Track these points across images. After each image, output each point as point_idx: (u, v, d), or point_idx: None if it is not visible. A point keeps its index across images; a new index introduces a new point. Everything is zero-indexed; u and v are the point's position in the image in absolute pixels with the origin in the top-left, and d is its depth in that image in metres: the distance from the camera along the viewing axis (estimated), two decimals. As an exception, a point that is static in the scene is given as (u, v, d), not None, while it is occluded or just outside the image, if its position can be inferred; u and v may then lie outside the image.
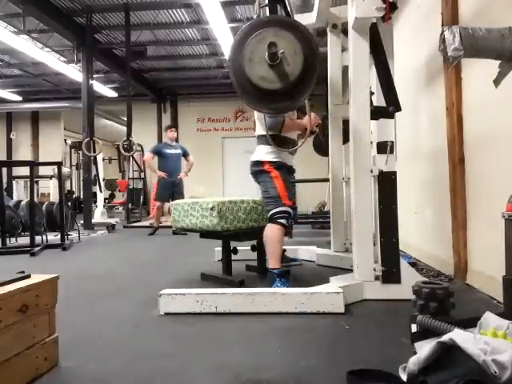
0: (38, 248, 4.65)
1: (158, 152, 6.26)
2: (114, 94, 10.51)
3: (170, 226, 3.28)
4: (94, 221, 7.33)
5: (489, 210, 2.38)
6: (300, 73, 2.10)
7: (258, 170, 2.87)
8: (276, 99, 2.19)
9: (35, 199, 6.20)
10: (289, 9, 2.49)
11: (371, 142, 2.49)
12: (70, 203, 9.69)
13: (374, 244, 2.45)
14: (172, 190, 6.21)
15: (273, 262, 2.67)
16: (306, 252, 3.81)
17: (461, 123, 2.76)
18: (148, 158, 6.30)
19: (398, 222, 2.40)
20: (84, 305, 2.47)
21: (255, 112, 2.88)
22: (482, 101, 2.49)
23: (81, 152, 9.06)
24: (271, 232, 2.69)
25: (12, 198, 8.54)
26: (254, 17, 2.86)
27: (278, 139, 2.79)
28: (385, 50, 2.44)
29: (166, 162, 6.21)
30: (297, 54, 2.11)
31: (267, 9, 2.48)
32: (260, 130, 2.92)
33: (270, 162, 2.82)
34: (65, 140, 12.61)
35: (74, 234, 5.97)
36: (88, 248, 5.15)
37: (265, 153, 2.85)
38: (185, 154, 6.44)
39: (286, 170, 2.89)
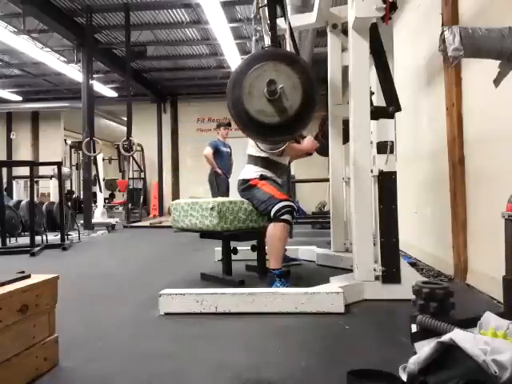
0: (38, 248, 4.65)
1: (216, 149, 5.99)
2: (114, 94, 10.51)
3: (171, 226, 3.28)
4: (93, 221, 7.33)
5: (489, 209, 2.38)
6: (299, 107, 2.15)
7: (245, 187, 2.89)
8: (274, 132, 2.25)
9: (35, 199, 6.20)
10: (288, 9, 2.50)
11: (371, 142, 2.49)
12: (70, 203, 9.70)
13: (374, 244, 2.45)
14: (227, 187, 6.05)
15: (273, 262, 2.66)
16: (306, 252, 3.81)
17: (461, 123, 2.76)
18: (209, 153, 5.94)
19: (398, 221, 2.40)
20: (84, 305, 2.47)
21: None
22: (481, 101, 2.49)
23: (81, 152, 9.07)
24: (274, 231, 2.63)
25: (12, 198, 8.54)
26: (252, 16, 2.87)
27: (268, 162, 2.81)
28: (385, 50, 2.44)
29: (221, 159, 5.99)
30: (296, 88, 2.15)
31: (266, 9, 2.49)
32: (251, 151, 2.94)
33: (256, 178, 2.85)
34: (65, 140, 12.61)
35: (73, 234, 5.98)
36: (88, 248, 5.15)
37: (252, 171, 2.88)
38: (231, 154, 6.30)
39: (274, 182, 2.89)
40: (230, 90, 2.23)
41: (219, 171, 5.90)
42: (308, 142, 2.99)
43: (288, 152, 2.89)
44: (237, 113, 2.23)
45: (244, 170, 2.97)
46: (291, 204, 2.68)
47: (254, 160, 2.91)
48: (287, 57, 2.26)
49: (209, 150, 5.93)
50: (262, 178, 2.84)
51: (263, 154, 2.85)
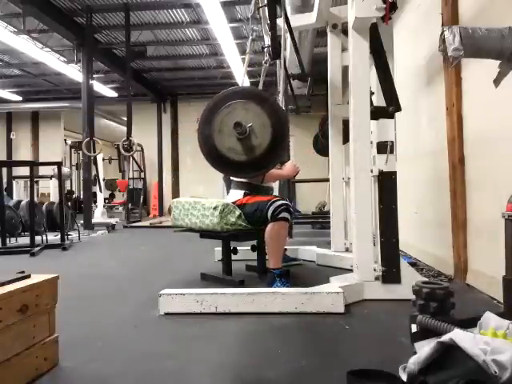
0: (38, 248, 4.65)
1: None
2: (114, 94, 10.51)
3: (171, 226, 3.28)
4: (93, 221, 7.33)
5: (489, 209, 2.38)
6: (268, 144, 2.20)
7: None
8: (243, 169, 2.31)
9: (35, 199, 6.19)
10: (288, 10, 2.51)
11: (371, 142, 2.49)
12: (70, 203, 9.69)
13: (374, 244, 2.45)
14: None
15: (274, 262, 2.66)
16: (306, 252, 3.81)
17: (461, 123, 2.76)
18: None
19: (398, 221, 2.40)
20: (84, 305, 2.47)
21: None
22: (481, 101, 2.49)
23: (81, 152, 9.06)
24: (273, 231, 2.62)
25: (12, 198, 8.53)
26: (250, 15, 2.87)
27: (252, 186, 2.84)
28: (385, 50, 2.44)
29: None
30: (265, 126, 2.19)
31: (266, 9, 2.49)
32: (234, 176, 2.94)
33: (240, 197, 2.83)
34: (65, 140, 12.60)
35: (74, 234, 5.97)
36: (88, 248, 5.15)
37: (237, 194, 2.87)
38: None
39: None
40: (201, 126, 2.32)
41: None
42: (289, 167, 2.99)
43: (268, 179, 2.87)
44: (207, 149, 2.31)
45: (229, 196, 2.97)
46: (285, 202, 2.67)
47: (238, 185, 2.91)
48: (256, 96, 2.32)
49: None
50: (246, 194, 2.83)
51: (245, 180, 2.86)
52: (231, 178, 2.99)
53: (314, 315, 2.13)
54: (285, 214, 2.61)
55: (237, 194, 2.88)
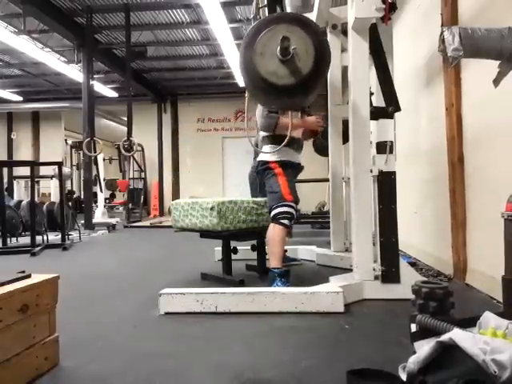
0: (39, 248, 4.65)
1: None
2: (115, 94, 10.52)
3: (171, 226, 3.28)
4: (94, 221, 7.33)
5: (488, 209, 2.38)
6: (311, 69, 2.09)
7: (263, 169, 2.88)
8: (286, 95, 2.17)
9: (36, 199, 6.20)
10: (288, 10, 2.50)
11: (371, 142, 2.49)
12: (70, 203, 9.69)
13: (374, 244, 2.45)
14: None
15: (274, 262, 2.67)
16: (306, 252, 3.81)
17: (460, 123, 2.76)
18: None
19: (398, 221, 2.41)
20: (84, 305, 2.47)
21: (257, 113, 2.88)
22: (481, 101, 2.49)
23: (81, 152, 9.07)
24: (273, 232, 2.68)
25: (13, 198, 8.54)
26: (251, 17, 2.86)
27: (282, 138, 2.77)
28: (384, 51, 2.44)
29: None
30: (308, 50, 2.09)
31: (266, 10, 2.49)
32: (263, 132, 2.93)
33: (276, 162, 2.82)
34: (65, 140, 12.61)
35: (74, 234, 5.98)
36: (88, 248, 5.16)
37: (270, 153, 2.84)
38: None
39: (291, 170, 2.88)
40: (242, 51, 2.16)
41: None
42: (310, 119, 2.95)
43: (281, 126, 2.80)
44: (248, 75, 2.16)
45: (262, 153, 2.93)
46: (291, 211, 2.70)
47: (269, 139, 2.87)
48: (299, 19, 2.20)
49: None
50: (281, 164, 2.81)
51: (276, 132, 2.82)
52: (261, 134, 2.93)
53: (313, 315, 2.13)
54: (285, 221, 2.67)
55: (269, 153, 2.84)
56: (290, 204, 2.70)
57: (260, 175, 2.95)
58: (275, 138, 2.82)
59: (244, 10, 6.72)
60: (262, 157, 2.91)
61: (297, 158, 2.95)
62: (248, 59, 2.12)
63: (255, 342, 1.80)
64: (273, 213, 2.71)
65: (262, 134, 2.95)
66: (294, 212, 2.74)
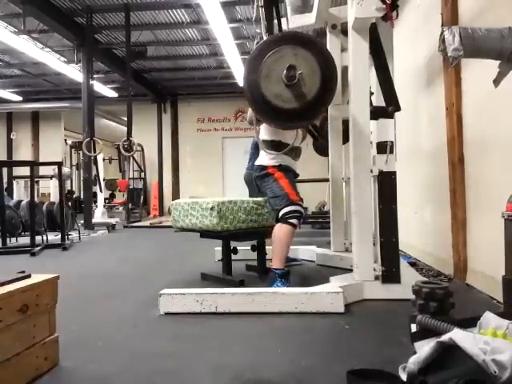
0: (39, 248, 4.65)
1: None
2: (115, 94, 10.51)
3: (171, 226, 3.28)
4: (94, 221, 7.33)
5: (488, 209, 2.38)
6: (316, 93, 2.10)
7: (262, 175, 2.86)
8: (290, 118, 2.18)
9: (35, 199, 6.20)
10: (288, 10, 2.49)
11: (371, 142, 2.49)
12: (70, 203, 9.69)
13: (374, 244, 2.45)
14: None
15: (277, 262, 2.66)
16: (306, 252, 3.81)
17: (460, 123, 2.76)
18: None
19: (398, 221, 2.40)
20: (84, 305, 2.47)
21: (249, 111, 2.87)
22: (481, 101, 2.49)
23: (81, 152, 9.07)
24: (280, 232, 2.64)
25: (12, 198, 8.54)
26: (253, 16, 2.86)
27: (282, 145, 2.78)
28: (384, 51, 2.44)
29: None
30: (314, 73, 2.09)
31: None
32: (264, 135, 2.92)
33: (274, 166, 2.81)
34: (65, 140, 12.61)
35: (74, 234, 5.98)
36: (88, 248, 5.15)
37: (269, 158, 2.84)
38: None
39: (290, 173, 2.87)
40: (247, 73, 2.17)
41: None
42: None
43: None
44: (254, 96, 2.16)
45: (260, 156, 2.93)
46: (300, 210, 2.68)
47: (269, 144, 2.86)
48: (306, 40, 2.20)
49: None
50: (280, 168, 2.80)
51: (276, 138, 2.81)
52: (261, 137, 2.92)
53: (314, 315, 2.13)
54: (294, 221, 2.65)
55: (268, 157, 2.83)
56: (298, 203, 2.69)
57: (259, 181, 2.93)
58: (273, 143, 2.83)
59: (244, 10, 6.72)
60: (260, 161, 2.90)
61: (294, 166, 2.95)
62: (253, 80, 2.13)
63: (255, 342, 1.80)
64: (281, 213, 2.67)
65: (262, 137, 2.95)
66: (303, 210, 2.73)
